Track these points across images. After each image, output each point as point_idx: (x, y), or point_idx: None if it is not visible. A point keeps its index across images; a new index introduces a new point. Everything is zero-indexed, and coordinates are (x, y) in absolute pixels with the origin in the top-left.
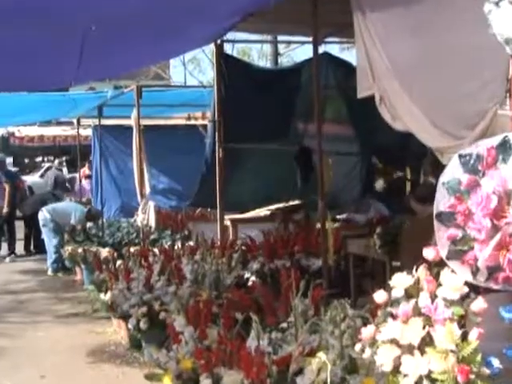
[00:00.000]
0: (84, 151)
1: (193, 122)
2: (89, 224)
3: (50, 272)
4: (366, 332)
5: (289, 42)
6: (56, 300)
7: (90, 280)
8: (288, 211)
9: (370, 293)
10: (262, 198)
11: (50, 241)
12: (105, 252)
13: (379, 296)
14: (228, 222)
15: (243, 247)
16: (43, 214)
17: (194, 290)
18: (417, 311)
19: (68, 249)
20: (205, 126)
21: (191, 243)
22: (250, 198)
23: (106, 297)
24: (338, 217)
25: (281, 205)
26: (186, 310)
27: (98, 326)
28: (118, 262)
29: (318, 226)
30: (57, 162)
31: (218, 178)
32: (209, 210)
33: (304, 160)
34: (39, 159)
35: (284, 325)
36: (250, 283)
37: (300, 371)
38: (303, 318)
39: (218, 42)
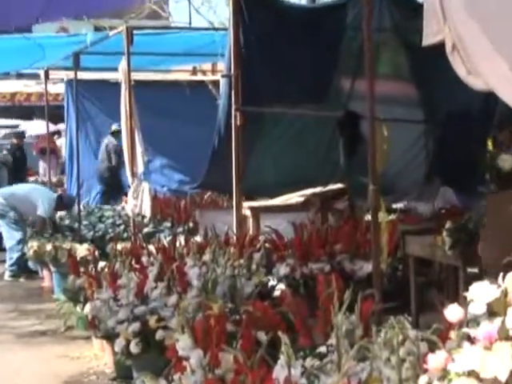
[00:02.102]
0: (53, 115)
1: (200, 77)
2: (60, 212)
3: (7, 276)
4: (434, 360)
5: None
6: (16, 314)
7: (62, 287)
8: (327, 198)
9: (438, 308)
10: (293, 179)
11: (9, 235)
12: (82, 250)
13: (451, 312)
14: (247, 211)
15: (267, 245)
16: None
17: (202, 302)
18: (504, 334)
19: (33, 245)
20: (216, 83)
21: (198, 239)
22: (276, 179)
23: (85, 310)
24: (394, 206)
25: (317, 189)
26: (191, 328)
27: (74, 348)
28: (101, 264)
29: (368, 217)
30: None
31: (234, 153)
32: (221, 195)
33: (349, 130)
34: None
35: (322, 349)
36: (276, 293)
37: None
38: (348, 339)
39: None
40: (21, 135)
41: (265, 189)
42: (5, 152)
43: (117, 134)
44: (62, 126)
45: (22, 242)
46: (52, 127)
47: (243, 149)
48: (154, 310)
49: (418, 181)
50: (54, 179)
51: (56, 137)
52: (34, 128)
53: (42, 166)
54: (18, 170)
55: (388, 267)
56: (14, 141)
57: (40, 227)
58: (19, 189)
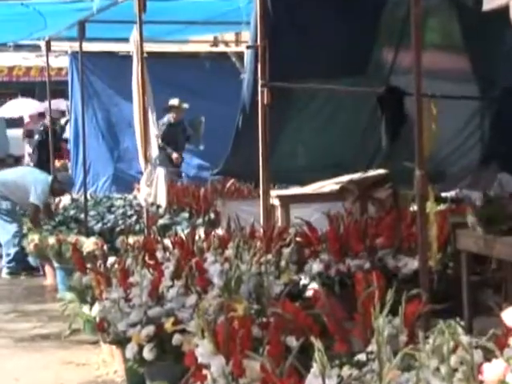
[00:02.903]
0: (56, 90)
1: (222, 48)
2: (64, 200)
3: (5, 274)
4: (491, 370)
5: None
6: (15, 315)
7: (66, 285)
8: (367, 185)
9: (494, 311)
10: (327, 164)
11: (2, 229)
12: (90, 244)
13: (509, 316)
14: (275, 201)
15: (298, 238)
16: None
17: (224, 302)
18: None
19: (33, 239)
20: (240, 55)
21: (220, 231)
22: (308, 164)
23: (92, 311)
24: (444, 195)
25: (356, 175)
26: (212, 332)
27: (80, 354)
28: (110, 259)
29: (414, 207)
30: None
31: (260, 135)
32: (246, 182)
33: (392, 107)
34: None
35: (361, 356)
36: (308, 293)
37: None
38: (391, 346)
39: None
40: (52, 116)
41: (295, 175)
42: (37, 136)
43: (175, 110)
44: (61, 105)
45: (19, 235)
46: (39, 106)
47: (271, 130)
48: (171, 312)
49: (471, 166)
50: (57, 164)
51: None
52: (20, 108)
53: (27, 150)
54: (48, 154)
55: (437, 264)
56: (46, 122)
57: (32, 217)
58: (11, 174)
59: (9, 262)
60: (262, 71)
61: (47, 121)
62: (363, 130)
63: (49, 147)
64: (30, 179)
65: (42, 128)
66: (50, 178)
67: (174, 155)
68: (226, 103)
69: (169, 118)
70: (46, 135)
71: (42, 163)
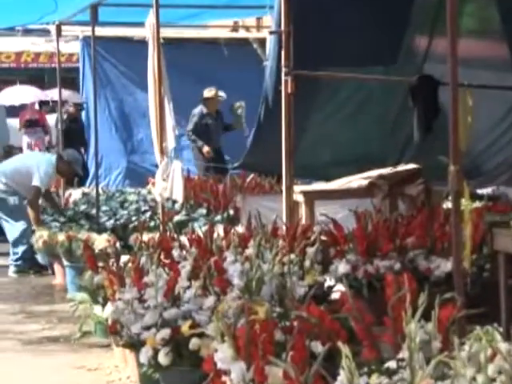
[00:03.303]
0: (66, 78)
1: (243, 34)
2: (74, 195)
3: (12, 272)
4: None
5: None
6: (23, 316)
7: (77, 285)
8: (397, 181)
9: None
10: (355, 158)
11: (10, 226)
12: (102, 240)
13: None
14: (299, 197)
15: (323, 237)
16: None
17: (245, 304)
18: None
19: (42, 235)
20: (263, 42)
21: (240, 229)
22: (334, 158)
23: (104, 312)
24: (480, 191)
25: (385, 170)
26: (232, 336)
27: (91, 358)
28: (124, 258)
29: (447, 205)
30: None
31: (284, 126)
32: (268, 176)
33: (425, 98)
34: None
35: (392, 364)
36: (334, 295)
37: None
38: (424, 353)
39: None
40: (77, 104)
41: (320, 170)
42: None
43: (209, 100)
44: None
45: (27, 232)
46: (39, 94)
47: (295, 122)
48: (188, 314)
49: (509, 161)
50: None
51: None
52: (17, 96)
53: (25, 141)
54: (74, 145)
55: (472, 266)
56: (70, 109)
57: (32, 200)
58: (12, 162)
59: (16, 260)
60: (285, 58)
61: (71, 107)
62: (393, 121)
63: (76, 138)
64: (32, 162)
65: (65, 116)
66: (54, 157)
67: (205, 149)
68: (247, 93)
69: (201, 108)
70: (72, 124)
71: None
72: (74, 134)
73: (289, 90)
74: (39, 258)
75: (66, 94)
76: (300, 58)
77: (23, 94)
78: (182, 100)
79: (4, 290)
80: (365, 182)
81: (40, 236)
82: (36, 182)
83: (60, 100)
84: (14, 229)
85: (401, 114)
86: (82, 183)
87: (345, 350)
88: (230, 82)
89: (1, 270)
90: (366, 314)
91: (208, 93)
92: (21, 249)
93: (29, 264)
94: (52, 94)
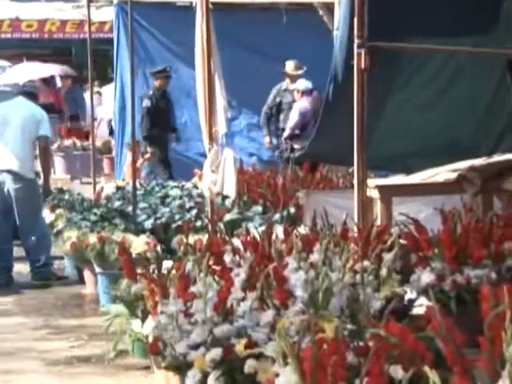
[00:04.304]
0: (98, 51)
1: None
2: (106, 189)
3: (33, 280)
4: None
5: None
6: (47, 332)
7: (111, 296)
8: (492, 174)
9: None
10: (441, 147)
11: (32, 219)
12: (140, 243)
13: None
14: (374, 193)
15: (403, 241)
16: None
17: (310, 320)
18: None
19: (70, 237)
20: (330, 8)
21: (303, 230)
22: (416, 146)
23: (144, 328)
24: None
25: (478, 161)
26: (296, 357)
27: (128, 382)
28: (166, 264)
29: None
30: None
31: (356, 108)
32: (335, 167)
33: None
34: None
35: None
36: (417, 310)
37: None
38: None
39: None
40: (163, 75)
41: (399, 161)
42: (146, 102)
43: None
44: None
45: (49, 233)
46: (50, 69)
47: (369, 103)
48: (242, 331)
49: None
50: (98, 143)
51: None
52: (24, 74)
53: None
54: (163, 126)
55: None
56: (156, 83)
57: (46, 153)
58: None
59: (39, 266)
60: (358, 28)
61: (156, 82)
62: (487, 103)
63: (160, 117)
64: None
65: (151, 92)
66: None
67: (266, 139)
68: (311, 69)
69: (281, 85)
70: (157, 102)
71: (155, 137)
72: (163, 112)
73: (362, 66)
74: (66, 262)
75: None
76: (377, 26)
77: (30, 73)
78: (235, 78)
79: (25, 300)
80: (453, 176)
81: (68, 237)
82: (45, 131)
83: (91, 79)
84: (35, 223)
85: (496, 94)
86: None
87: (432, 375)
88: (290, 54)
89: (20, 278)
90: (457, 333)
91: (288, 66)
92: (44, 253)
93: (53, 270)
94: (50, 69)
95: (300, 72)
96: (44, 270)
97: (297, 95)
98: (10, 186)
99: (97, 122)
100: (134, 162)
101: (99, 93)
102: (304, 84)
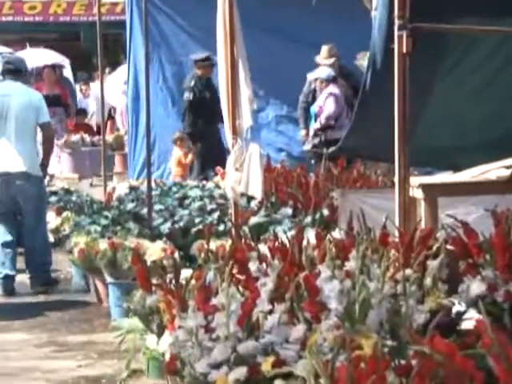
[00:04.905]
0: (108, 35)
1: None
2: (118, 189)
3: (36, 287)
4: None
5: None
6: (53, 349)
7: (123, 308)
8: None
9: None
10: (493, 140)
11: (37, 219)
12: (155, 250)
13: None
14: (418, 192)
15: (450, 246)
16: None
17: (346, 336)
18: None
19: (77, 242)
20: None
21: (338, 235)
22: (465, 140)
23: (160, 344)
24: None
25: None
26: (329, 377)
27: None
28: (185, 272)
29: None
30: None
31: (396, 97)
32: (374, 164)
33: None
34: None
35: None
36: (466, 324)
37: None
38: None
39: None
40: (207, 63)
41: (446, 156)
42: (187, 94)
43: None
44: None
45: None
46: (51, 56)
47: (412, 92)
48: (270, 348)
49: None
50: (109, 138)
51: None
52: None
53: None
54: (209, 118)
55: None
56: (198, 72)
57: (51, 138)
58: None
59: (41, 271)
60: (400, 7)
61: (199, 71)
62: None
63: (205, 109)
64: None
65: (192, 83)
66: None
67: (303, 132)
68: (345, 53)
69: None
70: (200, 92)
71: (200, 132)
72: (207, 102)
73: (404, 49)
74: (73, 270)
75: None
76: (420, 5)
77: (32, 59)
78: (262, 64)
79: (27, 313)
80: (507, 173)
81: (76, 243)
82: (47, 117)
83: (101, 66)
84: (38, 224)
85: None
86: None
87: None
88: (322, 38)
89: (23, 288)
90: (511, 349)
91: (323, 50)
92: (50, 255)
93: (52, 276)
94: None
95: (332, 60)
96: (45, 274)
97: (320, 85)
98: (15, 186)
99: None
100: (149, 157)
101: (87, 84)
102: (326, 72)
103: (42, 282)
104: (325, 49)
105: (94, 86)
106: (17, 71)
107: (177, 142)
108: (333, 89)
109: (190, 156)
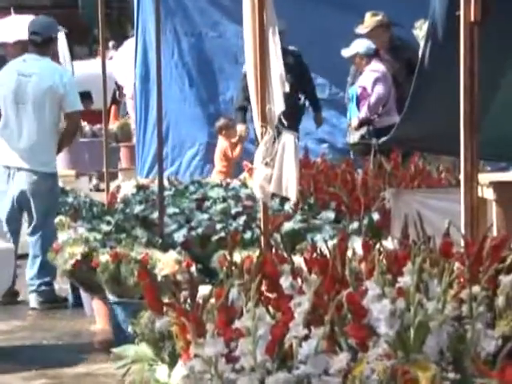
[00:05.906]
0: (114, 2)
1: None
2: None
3: (35, 303)
4: None
5: None
6: (43, 382)
7: (128, 333)
8: None
9: None
10: None
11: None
12: (168, 262)
13: None
14: (488, 192)
15: None
16: None
17: (398, 366)
18: None
19: (73, 253)
20: None
21: (389, 244)
22: None
23: (172, 376)
24: None
25: None
26: None
27: None
28: (203, 289)
29: None
30: None
31: (462, 76)
32: (434, 157)
33: None
34: None
35: None
36: None
37: None
38: None
39: None
40: None
41: None
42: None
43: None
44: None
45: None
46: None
47: (482, 69)
48: (305, 381)
49: None
50: (113, 127)
51: None
52: (10, 32)
53: None
54: None
55: None
56: None
57: (67, 134)
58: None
59: (42, 283)
60: None
61: None
62: None
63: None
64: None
65: None
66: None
67: (354, 121)
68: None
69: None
70: None
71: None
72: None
73: (471, 18)
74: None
75: None
76: None
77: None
78: (298, 36)
79: (15, 339)
80: None
81: (71, 254)
82: (74, 106)
83: (103, 39)
84: (48, 240)
85: None
86: None
87: None
88: (374, 5)
89: (21, 304)
90: None
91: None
92: (52, 268)
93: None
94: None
95: (372, 28)
96: (49, 289)
97: (359, 62)
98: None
99: None
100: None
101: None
102: (364, 45)
103: (42, 298)
104: (367, 16)
105: (95, 62)
106: (44, 43)
107: (222, 131)
108: (377, 65)
109: (238, 148)
